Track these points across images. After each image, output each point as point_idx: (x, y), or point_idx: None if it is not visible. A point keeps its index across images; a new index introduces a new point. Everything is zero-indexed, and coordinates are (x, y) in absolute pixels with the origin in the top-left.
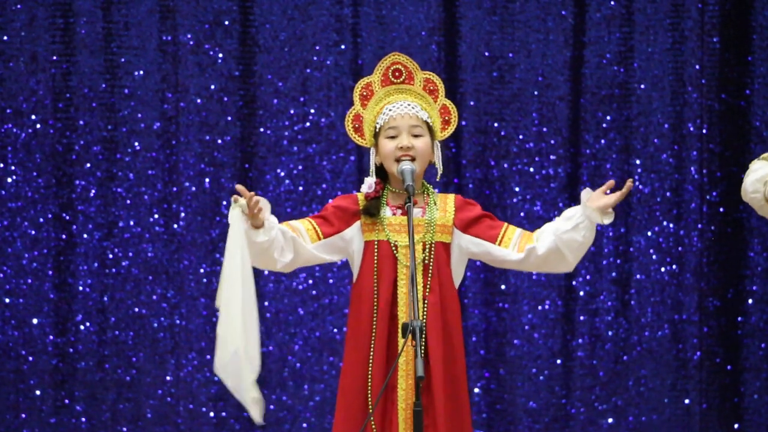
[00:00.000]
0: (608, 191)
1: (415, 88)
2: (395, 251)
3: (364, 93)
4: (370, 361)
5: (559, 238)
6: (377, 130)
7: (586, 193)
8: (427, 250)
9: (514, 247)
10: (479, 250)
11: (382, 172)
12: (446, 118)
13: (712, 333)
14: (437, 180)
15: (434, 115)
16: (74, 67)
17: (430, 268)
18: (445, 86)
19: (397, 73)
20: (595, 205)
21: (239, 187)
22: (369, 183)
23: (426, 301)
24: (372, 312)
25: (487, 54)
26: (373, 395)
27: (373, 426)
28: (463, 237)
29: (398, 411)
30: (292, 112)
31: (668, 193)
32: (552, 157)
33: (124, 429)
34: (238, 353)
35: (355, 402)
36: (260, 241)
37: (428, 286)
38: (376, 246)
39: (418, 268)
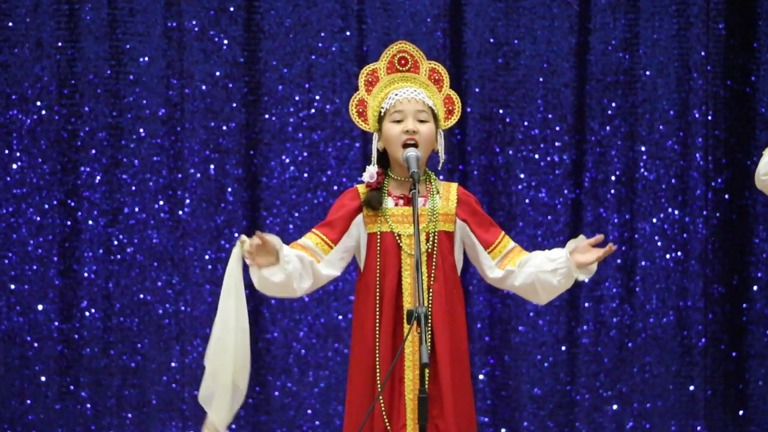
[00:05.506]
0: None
1: (420, 77)
2: (399, 241)
3: (369, 79)
4: (377, 351)
5: (537, 276)
6: (382, 114)
7: (572, 243)
8: (431, 239)
9: (498, 263)
10: (471, 247)
11: (383, 160)
12: (450, 108)
13: (716, 320)
14: (439, 168)
15: (438, 104)
16: (79, 53)
17: (434, 257)
18: (450, 73)
19: (403, 61)
20: (575, 261)
21: (254, 236)
22: (371, 172)
23: (431, 290)
24: (377, 303)
25: (492, 40)
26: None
27: (385, 416)
28: (464, 228)
29: (406, 402)
30: (297, 98)
31: (673, 180)
32: (557, 143)
33: (129, 415)
34: (227, 388)
35: (364, 392)
36: (278, 281)
37: (432, 275)
38: (379, 237)
39: (422, 258)
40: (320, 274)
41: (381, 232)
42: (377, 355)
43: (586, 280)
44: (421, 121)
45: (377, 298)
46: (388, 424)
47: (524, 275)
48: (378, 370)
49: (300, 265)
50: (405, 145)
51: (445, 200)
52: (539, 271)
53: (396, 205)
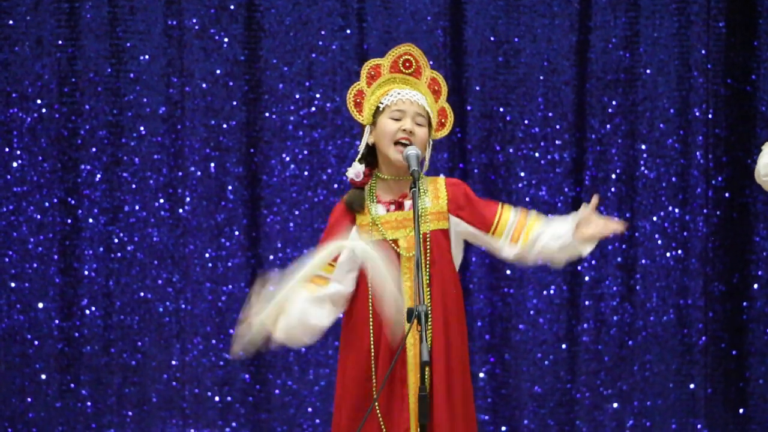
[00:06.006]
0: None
1: (421, 83)
2: (396, 247)
3: (372, 73)
4: (371, 352)
5: (545, 255)
6: (380, 108)
7: (577, 216)
8: (426, 239)
9: (507, 238)
10: (472, 238)
11: (369, 158)
12: (442, 120)
13: (717, 318)
14: (423, 170)
15: (434, 113)
16: (80, 51)
17: (428, 257)
18: (450, 71)
19: (407, 64)
20: (579, 236)
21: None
22: (357, 171)
23: (428, 290)
24: (373, 306)
25: (492, 39)
26: (378, 385)
27: (380, 417)
28: (459, 223)
29: (409, 404)
30: (297, 96)
31: (674, 178)
32: (557, 142)
33: (130, 413)
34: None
35: (359, 394)
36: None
37: (428, 275)
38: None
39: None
40: (331, 296)
41: (376, 240)
42: (375, 357)
43: (588, 251)
44: (419, 125)
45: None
46: (384, 426)
47: (535, 254)
48: (374, 373)
49: (308, 305)
50: (398, 143)
51: (434, 198)
52: (546, 249)
53: (387, 211)
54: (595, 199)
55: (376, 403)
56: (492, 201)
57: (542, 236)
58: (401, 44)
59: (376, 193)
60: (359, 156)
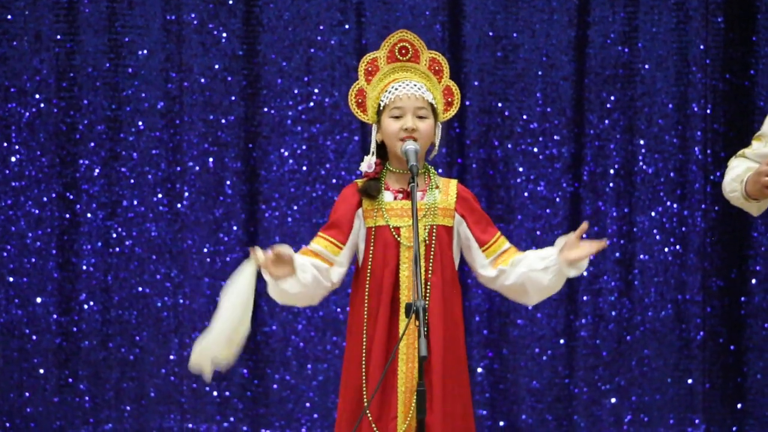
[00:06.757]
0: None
1: (421, 67)
2: (396, 236)
3: (369, 68)
4: (364, 345)
5: (528, 276)
6: (381, 107)
7: (562, 239)
8: (429, 232)
9: (492, 263)
10: (465, 242)
11: (381, 151)
12: (449, 99)
13: (715, 313)
14: (430, 158)
15: (438, 96)
16: (78, 46)
17: (432, 250)
18: (449, 66)
19: (403, 51)
20: (564, 258)
21: (267, 251)
22: (369, 162)
23: (428, 283)
24: (375, 298)
25: (491, 34)
26: (369, 380)
27: (368, 414)
28: (461, 223)
29: (398, 394)
30: (296, 91)
31: (672, 174)
32: (556, 137)
33: (128, 408)
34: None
35: (358, 385)
36: (296, 292)
37: (431, 269)
38: (374, 231)
39: (421, 251)
40: (333, 278)
41: (378, 226)
42: (363, 348)
43: (574, 275)
44: (420, 117)
45: (375, 291)
46: (370, 416)
47: (515, 275)
48: (365, 363)
49: (317, 272)
50: (403, 141)
51: (444, 195)
52: (530, 270)
53: (395, 198)
54: (584, 226)
55: (365, 395)
56: (492, 223)
57: (525, 259)
58: (394, 32)
59: (385, 181)
60: (372, 151)
